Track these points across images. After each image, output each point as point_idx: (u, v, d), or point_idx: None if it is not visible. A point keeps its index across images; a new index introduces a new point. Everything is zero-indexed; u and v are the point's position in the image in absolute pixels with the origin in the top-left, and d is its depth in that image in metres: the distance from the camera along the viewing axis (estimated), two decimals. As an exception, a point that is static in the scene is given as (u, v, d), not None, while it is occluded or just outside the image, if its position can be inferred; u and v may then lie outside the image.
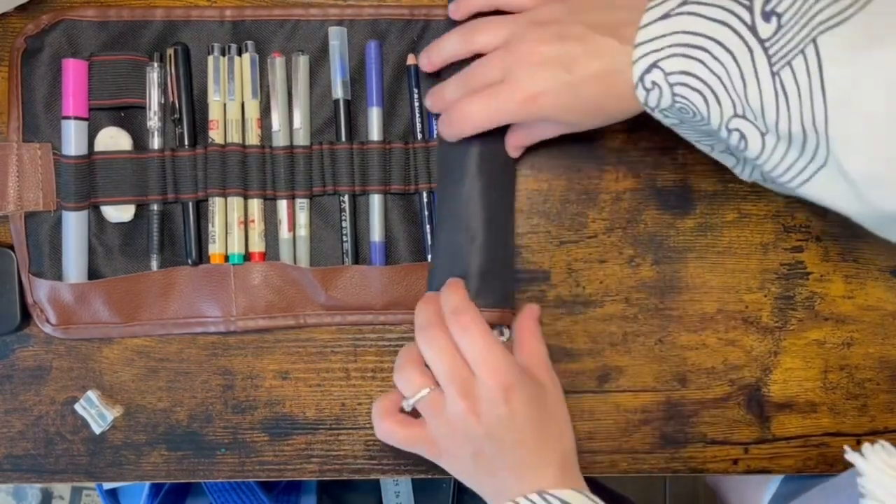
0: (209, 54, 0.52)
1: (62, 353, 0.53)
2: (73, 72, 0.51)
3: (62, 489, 1.28)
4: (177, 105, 0.52)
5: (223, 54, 0.52)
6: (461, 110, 0.47)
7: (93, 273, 0.52)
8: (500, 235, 0.50)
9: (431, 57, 0.50)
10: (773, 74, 0.39)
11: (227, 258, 0.52)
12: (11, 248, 0.51)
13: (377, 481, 0.80)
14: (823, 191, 0.41)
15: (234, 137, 0.52)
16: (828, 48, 0.37)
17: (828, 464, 0.54)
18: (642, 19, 0.42)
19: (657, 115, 0.44)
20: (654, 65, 0.41)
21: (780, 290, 0.54)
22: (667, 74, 0.41)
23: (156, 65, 0.52)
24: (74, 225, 0.51)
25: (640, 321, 0.54)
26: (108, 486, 0.82)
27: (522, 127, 0.49)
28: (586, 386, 0.54)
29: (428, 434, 0.47)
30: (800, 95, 0.38)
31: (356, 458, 0.54)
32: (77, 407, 0.52)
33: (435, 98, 0.50)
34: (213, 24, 0.52)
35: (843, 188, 0.40)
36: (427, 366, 0.47)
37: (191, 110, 0.52)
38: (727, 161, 0.47)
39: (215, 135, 0.52)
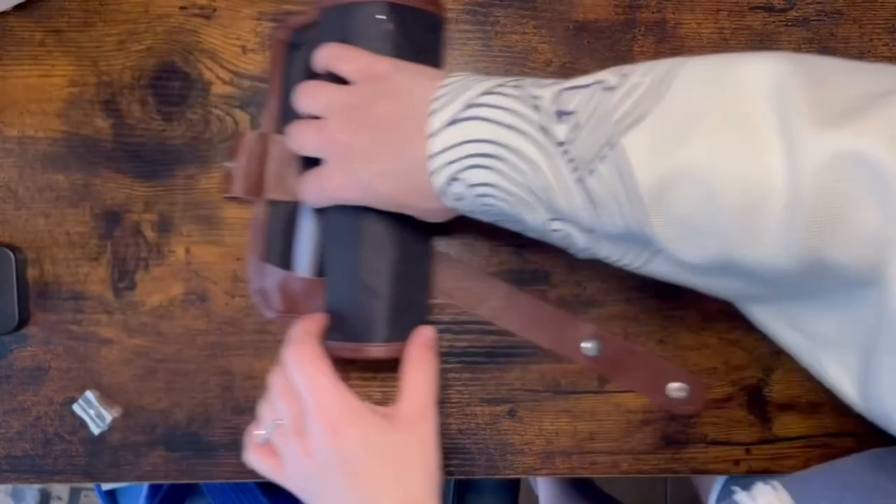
0: None
1: (60, 354, 0.53)
2: None
3: (61, 489, 1.28)
4: None
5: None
6: (301, 186, 0.47)
7: (319, 270, 0.52)
8: (408, 285, 0.48)
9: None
10: (579, 181, 0.36)
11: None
12: (9, 247, 0.51)
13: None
14: (663, 271, 0.39)
15: None
16: (633, 149, 0.34)
17: (830, 464, 0.54)
18: (429, 126, 0.39)
19: (477, 217, 0.43)
20: (453, 178, 0.39)
21: (781, 290, 0.54)
22: (468, 185, 0.39)
23: None
24: (314, 220, 0.51)
25: (641, 321, 0.53)
26: (106, 486, 0.82)
27: None
28: (587, 386, 0.53)
29: (283, 468, 0.45)
30: (616, 200, 0.35)
31: (356, 458, 0.53)
32: (75, 407, 0.52)
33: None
34: None
35: (683, 271, 0.38)
36: None
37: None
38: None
39: None
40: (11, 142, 0.53)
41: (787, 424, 0.54)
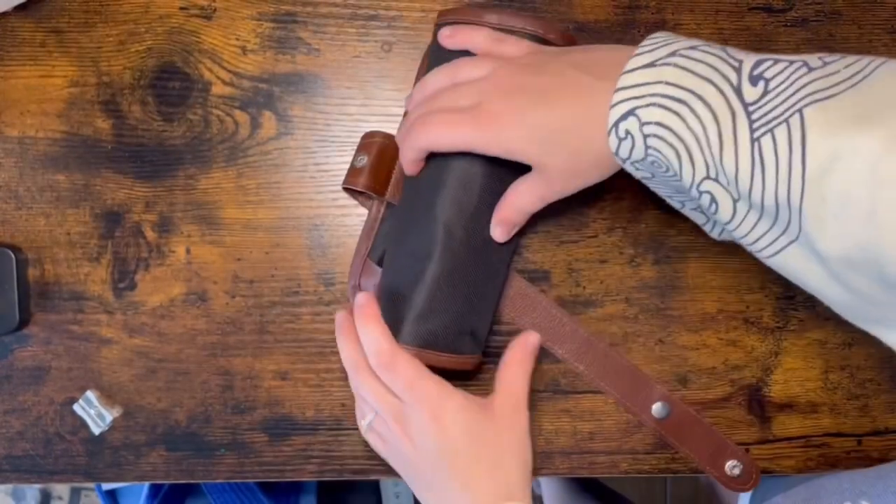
0: None
1: (60, 354, 0.53)
2: None
3: (61, 489, 1.28)
4: None
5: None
6: (422, 121, 0.46)
7: None
8: (465, 288, 0.48)
9: (415, 96, 0.49)
10: (753, 140, 0.37)
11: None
12: (10, 247, 0.51)
13: (377, 482, 0.80)
14: (795, 265, 0.40)
15: None
16: (814, 120, 0.36)
17: (829, 464, 0.54)
18: (627, 64, 0.40)
19: (628, 167, 0.43)
20: (631, 111, 0.40)
21: (781, 290, 0.54)
22: (642, 124, 0.40)
23: None
24: None
25: (640, 321, 0.53)
26: (107, 486, 0.82)
27: (502, 201, 0.48)
28: (587, 386, 0.53)
29: (389, 451, 0.48)
30: (777, 166, 0.37)
31: (356, 458, 0.54)
32: (76, 407, 0.52)
33: (408, 101, 0.49)
34: None
35: (814, 267, 0.39)
36: None
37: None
38: (697, 219, 0.46)
39: None
40: (12, 142, 0.53)
41: (787, 424, 0.54)
